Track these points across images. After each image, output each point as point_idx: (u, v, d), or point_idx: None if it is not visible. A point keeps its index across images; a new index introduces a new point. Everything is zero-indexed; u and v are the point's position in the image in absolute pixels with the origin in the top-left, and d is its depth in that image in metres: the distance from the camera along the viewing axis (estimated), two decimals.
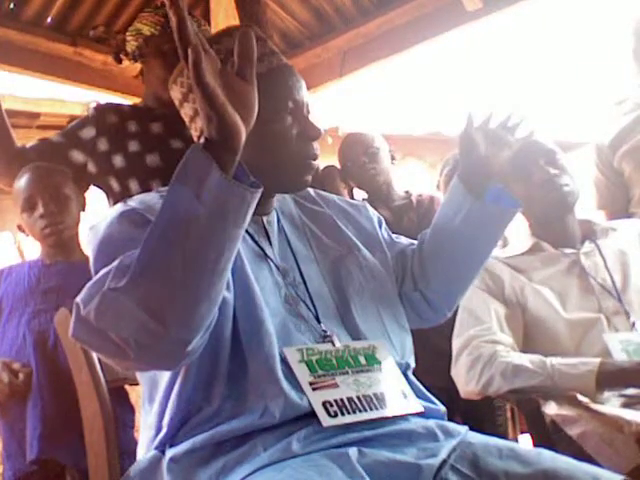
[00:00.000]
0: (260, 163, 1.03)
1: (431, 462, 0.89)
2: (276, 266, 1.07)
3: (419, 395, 1.06)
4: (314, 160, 1.07)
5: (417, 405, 1.03)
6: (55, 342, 1.73)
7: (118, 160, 1.84)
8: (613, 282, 1.56)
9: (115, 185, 1.86)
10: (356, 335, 1.06)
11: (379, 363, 1.04)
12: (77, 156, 1.87)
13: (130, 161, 1.84)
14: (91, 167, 1.87)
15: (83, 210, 1.92)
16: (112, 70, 2.59)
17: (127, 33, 2.00)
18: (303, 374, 0.96)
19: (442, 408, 1.08)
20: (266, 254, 1.07)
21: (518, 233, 1.77)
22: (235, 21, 2.48)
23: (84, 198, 1.93)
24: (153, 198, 1.02)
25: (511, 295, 1.58)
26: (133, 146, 1.85)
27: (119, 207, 0.99)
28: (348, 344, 1.04)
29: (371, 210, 1.27)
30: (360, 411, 0.95)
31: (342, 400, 0.95)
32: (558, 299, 1.55)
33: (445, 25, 2.47)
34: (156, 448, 0.94)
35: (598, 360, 1.36)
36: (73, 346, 1.17)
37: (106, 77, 2.63)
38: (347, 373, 1.00)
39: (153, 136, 1.88)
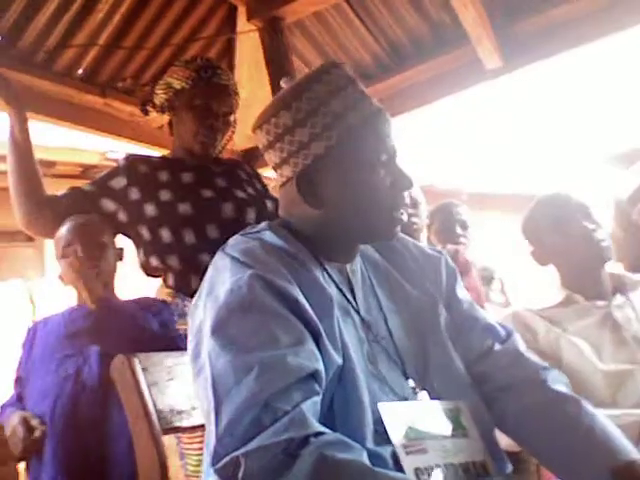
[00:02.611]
0: (349, 213, 1.03)
1: None
2: (361, 319, 1.04)
3: (496, 457, 1.04)
4: (403, 210, 1.06)
5: (497, 474, 1.02)
6: (76, 387, 1.75)
7: (150, 209, 1.87)
8: None
9: (146, 234, 1.88)
10: (436, 394, 1.04)
11: (464, 428, 1.02)
12: (108, 205, 1.90)
13: (162, 210, 1.87)
14: (122, 216, 1.90)
15: (120, 259, 1.94)
16: (138, 121, 2.66)
17: (157, 86, 2.06)
18: (397, 436, 0.94)
19: (510, 467, 1.08)
20: (352, 306, 1.04)
21: (543, 286, 1.82)
22: (260, 71, 2.55)
23: (121, 249, 1.96)
24: (257, 250, 1.00)
25: (546, 347, 1.60)
26: (165, 195, 1.88)
27: (236, 266, 0.97)
28: (438, 403, 1.01)
29: (450, 262, 1.23)
30: None
31: (432, 468, 0.93)
32: (593, 350, 1.58)
33: (464, 83, 2.55)
34: None
35: None
36: (129, 394, 1.17)
37: (132, 128, 2.70)
38: (436, 438, 0.98)
39: (184, 185, 1.92)
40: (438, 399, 1.03)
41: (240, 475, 0.81)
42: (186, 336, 1.80)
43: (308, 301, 0.96)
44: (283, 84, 1.12)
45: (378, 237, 1.09)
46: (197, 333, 0.97)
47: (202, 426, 1.24)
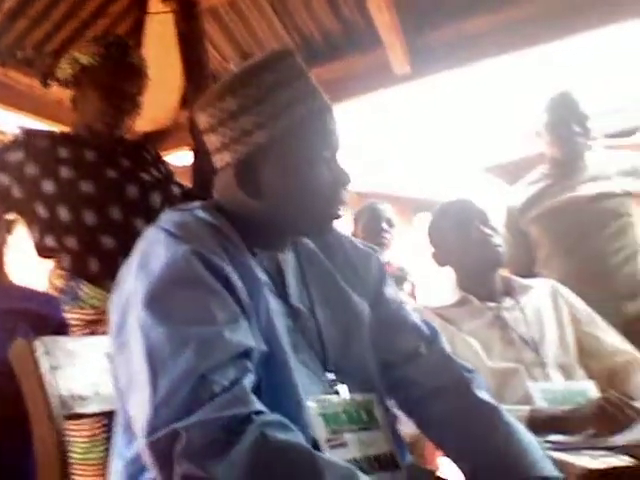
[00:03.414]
0: (287, 207, 1.02)
1: None
2: (290, 307, 1.04)
3: (400, 447, 1.07)
4: (342, 207, 1.06)
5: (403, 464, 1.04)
6: None
7: (48, 185, 1.79)
8: (531, 336, 1.70)
9: (42, 211, 1.81)
10: (352, 388, 1.05)
11: (377, 420, 1.04)
12: (1, 179, 1.81)
13: (61, 187, 1.80)
14: (16, 191, 1.81)
15: (9, 233, 1.85)
16: (37, 94, 2.53)
17: (62, 60, 1.98)
18: (321, 429, 0.95)
19: (410, 457, 1.11)
20: (282, 294, 1.04)
21: (441, 285, 1.91)
22: (169, 53, 2.49)
23: (11, 222, 1.86)
24: (192, 225, 0.98)
25: None
26: (65, 172, 1.81)
27: (172, 241, 0.95)
28: (353, 397, 1.03)
29: (380, 260, 1.23)
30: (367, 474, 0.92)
31: (352, 461, 0.95)
32: (483, 349, 1.67)
33: (373, 85, 2.62)
34: None
35: (528, 407, 1.48)
36: (28, 379, 1.12)
37: (30, 101, 2.57)
38: (354, 430, 0.99)
39: (87, 163, 1.85)
40: (353, 392, 1.05)
41: (179, 448, 0.80)
42: (74, 325, 1.76)
43: (240, 283, 0.96)
44: (233, 67, 1.10)
45: (313, 232, 1.09)
46: (124, 306, 0.94)
47: (105, 413, 1.22)
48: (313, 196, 1.04)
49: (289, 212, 1.04)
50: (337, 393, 1.02)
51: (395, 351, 1.16)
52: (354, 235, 3.05)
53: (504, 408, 1.46)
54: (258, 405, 0.86)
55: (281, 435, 0.84)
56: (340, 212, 1.07)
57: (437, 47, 2.49)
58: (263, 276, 1.02)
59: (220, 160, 1.06)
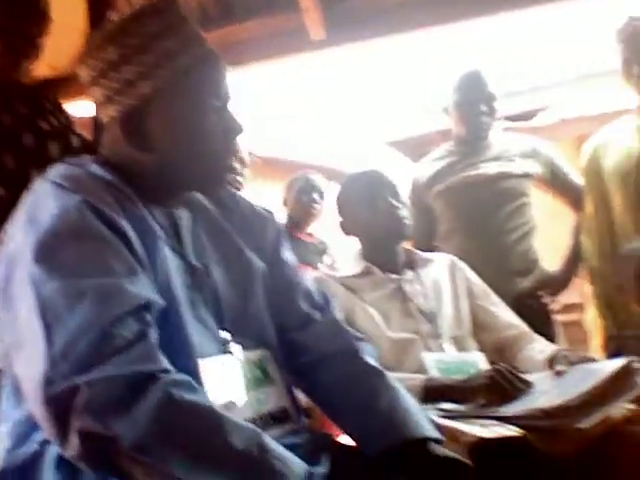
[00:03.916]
0: (176, 159, 1.00)
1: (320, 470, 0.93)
2: (187, 264, 1.03)
3: (294, 404, 1.09)
4: (233, 157, 1.06)
5: (301, 422, 1.06)
6: None
7: None
8: (429, 308, 1.75)
9: None
10: (251, 345, 1.06)
11: (271, 377, 1.05)
12: None
13: None
14: None
15: None
16: None
17: None
18: (215, 388, 0.94)
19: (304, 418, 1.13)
20: (178, 250, 1.03)
21: (347, 255, 1.92)
22: None
23: None
24: (83, 177, 0.94)
25: (343, 312, 1.70)
26: None
27: (61, 192, 0.91)
28: (248, 356, 1.03)
29: (278, 223, 1.24)
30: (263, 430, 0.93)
31: (250, 420, 0.95)
32: (383, 319, 1.70)
33: (287, 49, 2.58)
34: (37, 443, 0.89)
35: (424, 376, 1.53)
36: None
37: None
38: (248, 389, 1.00)
39: None
40: (248, 350, 1.05)
41: (78, 403, 0.77)
42: None
43: (135, 235, 0.94)
44: (112, 17, 1.05)
45: (205, 184, 1.08)
46: (10, 262, 0.89)
47: None
48: (203, 147, 1.02)
49: (179, 164, 1.02)
50: (231, 352, 1.02)
51: (288, 316, 1.17)
52: (284, 203, 3.02)
53: (400, 376, 1.52)
54: (165, 363, 0.85)
55: (188, 396, 0.83)
56: (232, 163, 1.06)
57: (355, 16, 2.48)
58: (159, 231, 1.00)
59: (105, 114, 1.03)
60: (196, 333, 0.98)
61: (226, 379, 0.99)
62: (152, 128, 1.00)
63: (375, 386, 1.11)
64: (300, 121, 4.93)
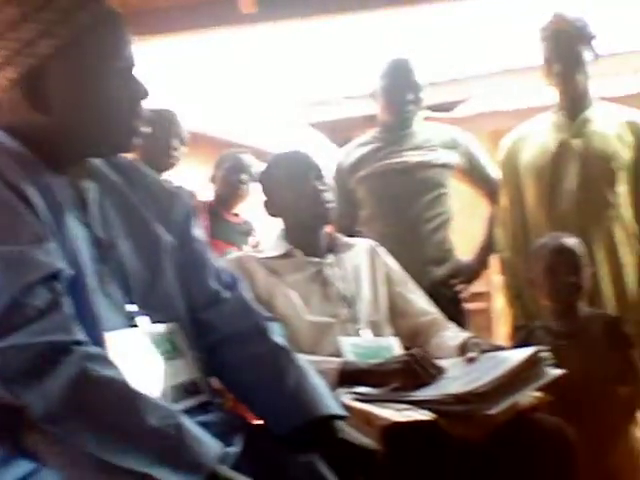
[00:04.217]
0: (79, 121, 0.97)
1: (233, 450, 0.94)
2: (94, 236, 1.00)
3: (210, 385, 1.09)
4: (140, 121, 1.03)
5: (215, 400, 1.06)
6: None
7: None
8: (348, 292, 1.77)
9: None
10: (161, 319, 1.05)
11: (180, 350, 1.05)
12: None
13: None
14: None
15: None
16: None
17: None
18: (122, 362, 0.92)
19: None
20: (84, 222, 1.00)
21: (270, 236, 1.91)
22: None
23: None
24: None
25: (263, 293, 1.69)
26: None
27: None
28: (156, 329, 1.03)
29: (187, 199, 1.23)
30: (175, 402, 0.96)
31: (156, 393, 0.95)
32: (303, 302, 1.70)
33: (217, 21, 2.51)
34: None
35: (340, 360, 1.54)
36: None
37: None
38: (158, 362, 0.99)
39: None
40: (157, 323, 1.05)
41: None
42: None
43: (42, 203, 0.91)
44: None
45: (112, 148, 1.06)
46: None
47: None
48: (105, 109, 1.00)
49: (82, 127, 1.00)
50: (137, 326, 1.02)
51: (198, 293, 1.16)
52: (212, 180, 2.95)
53: (316, 359, 1.53)
54: (79, 334, 0.84)
55: (104, 371, 0.83)
56: (140, 127, 1.04)
57: None
58: (65, 201, 0.98)
59: (5, 78, 0.98)
60: (102, 306, 0.97)
61: (132, 352, 0.98)
62: (53, 89, 0.98)
63: (282, 365, 1.13)
64: (224, 97, 4.86)
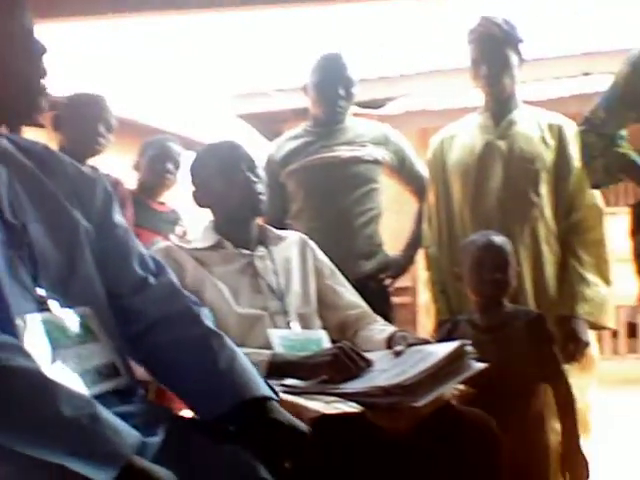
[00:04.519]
0: None
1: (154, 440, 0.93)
2: (3, 221, 0.98)
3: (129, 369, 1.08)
4: (44, 79, 1.01)
5: (128, 380, 1.05)
6: None
7: None
8: (278, 285, 1.76)
9: None
10: (76, 304, 1.04)
11: (94, 333, 1.04)
12: None
13: None
14: None
15: None
16: None
17: None
18: (36, 349, 0.91)
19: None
20: None
21: (199, 226, 1.88)
22: None
23: None
24: None
25: (191, 285, 1.66)
26: None
27: None
28: (69, 313, 1.01)
29: (107, 186, 1.21)
30: (86, 387, 0.94)
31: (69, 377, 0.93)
32: (232, 295, 1.69)
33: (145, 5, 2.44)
34: None
35: (270, 352, 1.54)
36: None
37: None
38: (69, 346, 0.98)
39: None
40: (73, 308, 1.04)
41: None
42: None
43: None
44: None
45: (21, 111, 1.04)
46: None
47: None
48: (9, 71, 0.99)
49: None
50: (49, 310, 1.00)
51: (123, 280, 1.16)
52: (136, 167, 2.86)
53: (245, 351, 1.51)
54: None
55: (16, 360, 0.81)
56: (45, 85, 1.03)
57: None
58: None
59: None
60: (12, 290, 0.95)
61: (44, 336, 0.97)
62: None
63: (214, 348, 1.13)
64: (152, 84, 4.76)
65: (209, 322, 1.19)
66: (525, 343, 1.82)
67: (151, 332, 1.15)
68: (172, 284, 1.21)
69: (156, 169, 2.77)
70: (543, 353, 1.84)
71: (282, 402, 1.29)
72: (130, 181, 2.82)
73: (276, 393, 1.16)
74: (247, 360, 1.17)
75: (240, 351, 1.18)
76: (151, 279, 1.18)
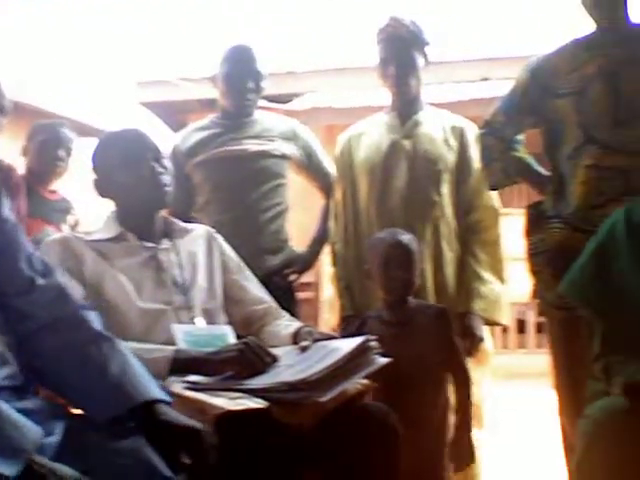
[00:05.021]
0: None
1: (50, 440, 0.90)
2: None
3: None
4: None
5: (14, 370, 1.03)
6: None
7: None
8: (183, 279, 1.73)
9: None
10: None
11: None
12: None
13: None
14: None
15: None
16: None
17: None
18: None
19: None
20: None
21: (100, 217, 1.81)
22: None
23: None
24: None
25: (91, 278, 1.61)
26: None
27: None
28: None
29: None
30: None
31: None
32: (134, 288, 1.64)
33: None
34: None
35: (173, 348, 1.50)
36: None
37: None
38: None
39: None
40: None
41: None
42: None
43: None
44: None
45: None
46: None
47: None
48: None
49: None
50: None
51: (10, 278, 1.12)
52: (24, 153, 2.69)
53: (148, 347, 1.49)
54: None
55: None
56: None
57: None
58: None
59: None
60: None
61: None
62: None
63: (105, 352, 1.13)
64: (50, 67, 4.54)
65: (98, 326, 1.18)
66: (431, 336, 1.88)
67: (38, 335, 1.12)
68: (60, 286, 1.19)
69: (46, 155, 2.63)
70: (447, 345, 1.91)
71: (185, 399, 1.28)
72: (19, 168, 2.67)
73: (170, 394, 1.17)
74: (139, 363, 1.17)
75: (131, 353, 1.18)
76: (39, 280, 1.15)
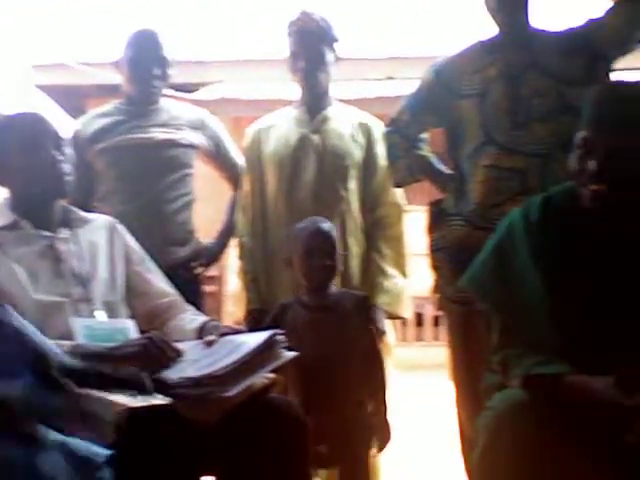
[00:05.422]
0: None
1: None
2: None
3: None
4: None
5: None
6: None
7: None
8: (82, 270, 1.66)
9: None
10: None
11: None
12: None
13: None
14: None
15: None
16: None
17: None
18: None
19: None
20: None
21: None
22: None
23: None
24: None
25: None
26: None
27: None
28: None
29: None
30: None
31: None
32: (30, 279, 1.56)
33: None
34: None
35: (72, 343, 1.44)
36: None
37: None
38: None
39: None
40: None
41: None
42: None
43: None
44: None
45: None
46: None
47: None
48: None
49: None
50: None
51: None
52: None
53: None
54: None
55: None
56: None
57: None
58: None
59: None
60: None
61: None
62: None
63: None
64: None
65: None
66: (352, 322, 1.91)
67: None
68: None
69: None
70: (365, 332, 1.95)
71: (87, 397, 1.23)
72: None
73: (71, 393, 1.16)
74: None
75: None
76: None
